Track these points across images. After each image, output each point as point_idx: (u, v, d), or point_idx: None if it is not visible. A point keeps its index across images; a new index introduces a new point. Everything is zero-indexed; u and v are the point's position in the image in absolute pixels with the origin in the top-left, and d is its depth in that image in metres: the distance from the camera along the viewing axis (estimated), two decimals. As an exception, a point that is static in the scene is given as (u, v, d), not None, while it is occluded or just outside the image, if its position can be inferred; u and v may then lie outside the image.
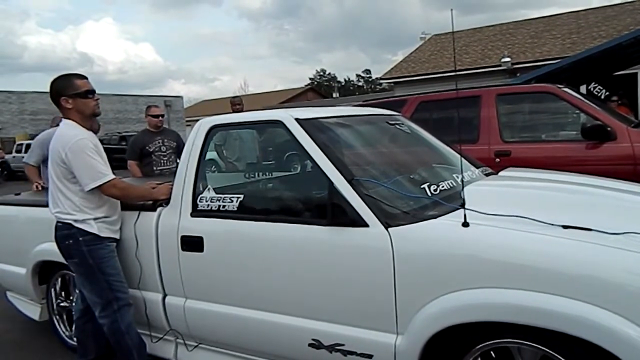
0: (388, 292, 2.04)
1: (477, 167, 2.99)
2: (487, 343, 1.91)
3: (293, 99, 41.00)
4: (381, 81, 23.50)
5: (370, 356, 2.13)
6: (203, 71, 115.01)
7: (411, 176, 2.55)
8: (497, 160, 4.50)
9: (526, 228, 1.90)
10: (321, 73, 66.25)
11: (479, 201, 2.12)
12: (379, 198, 2.19)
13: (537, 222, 1.91)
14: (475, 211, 2.02)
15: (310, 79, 64.81)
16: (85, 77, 2.73)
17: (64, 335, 3.43)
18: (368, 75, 65.22)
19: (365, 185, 2.23)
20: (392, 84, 20.45)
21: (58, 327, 3.46)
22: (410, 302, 2.01)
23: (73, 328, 3.30)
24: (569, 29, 17.57)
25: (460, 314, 1.89)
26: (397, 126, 3.02)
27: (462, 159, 2.61)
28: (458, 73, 16.97)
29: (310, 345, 2.28)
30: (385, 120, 3.07)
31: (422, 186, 2.37)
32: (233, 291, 2.51)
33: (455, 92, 5.49)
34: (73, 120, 2.67)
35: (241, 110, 6.38)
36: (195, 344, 2.78)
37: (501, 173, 3.11)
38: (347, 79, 66.39)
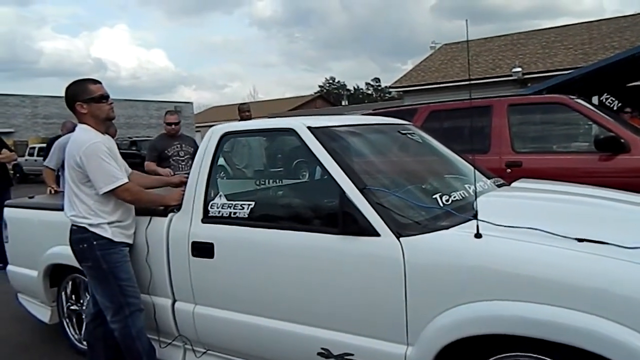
0: (399, 302, 2.03)
1: (489, 178, 2.97)
2: (499, 356, 1.89)
3: (302, 106, 41.15)
4: (391, 90, 23.55)
5: (380, 367, 2.11)
6: (213, 78, 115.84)
7: (423, 186, 2.55)
8: (508, 170, 4.47)
9: (540, 240, 1.88)
10: (330, 81, 66.46)
11: (492, 212, 2.11)
12: (390, 207, 2.18)
13: (551, 235, 1.89)
14: (488, 222, 2.01)
15: (319, 86, 65.03)
16: (99, 82, 2.76)
17: (73, 339, 3.44)
18: (377, 84, 65.32)
19: (377, 194, 2.23)
20: (401, 93, 20.46)
21: (68, 330, 3.48)
22: (421, 312, 2.00)
23: (82, 331, 3.32)
24: (581, 40, 17.51)
25: (471, 326, 1.88)
26: (409, 135, 3.02)
27: (477, 169, 2.60)
28: (468, 83, 16.96)
29: (319, 354, 2.27)
30: (396, 129, 3.07)
31: (433, 196, 2.36)
32: (243, 298, 2.51)
33: (466, 101, 5.50)
34: (88, 125, 2.70)
35: (249, 118, 6.42)
36: (204, 351, 2.78)
37: (514, 184, 3.09)
38: (356, 87, 66.51)
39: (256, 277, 2.45)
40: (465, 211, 2.24)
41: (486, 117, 4.86)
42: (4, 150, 6.19)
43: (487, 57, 18.54)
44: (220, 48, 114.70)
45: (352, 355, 2.18)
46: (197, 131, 32.34)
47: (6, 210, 3.78)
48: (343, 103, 44.30)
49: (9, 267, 3.78)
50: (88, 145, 2.58)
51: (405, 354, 2.04)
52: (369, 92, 65.52)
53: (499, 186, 2.95)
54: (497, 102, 4.96)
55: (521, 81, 15.81)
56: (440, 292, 1.95)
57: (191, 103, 38.71)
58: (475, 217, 2.05)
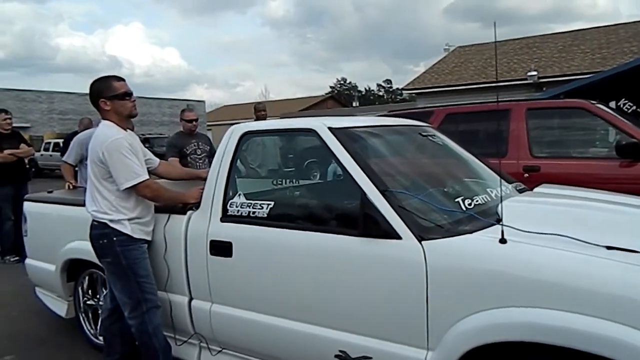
0: (419, 306, 2.01)
1: (510, 183, 2.94)
2: (522, 363, 1.87)
3: (313, 106, 41.15)
4: (403, 91, 23.43)
5: (398, 371, 2.10)
6: (225, 77, 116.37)
7: (444, 189, 2.52)
8: (526, 175, 4.42)
9: (568, 247, 1.85)
10: (342, 82, 66.40)
11: (516, 218, 2.08)
12: (412, 210, 2.17)
13: (579, 242, 1.86)
14: (513, 228, 1.98)
15: (330, 87, 65.00)
16: (123, 79, 2.77)
17: (89, 333, 3.47)
18: (389, 85, 65.17)
19: (399, 196, 2.21)
20: (414, 95, 20.36)
21: (84, 324, 3.50)
22: (443, 317, 1.98)
23: (98, 326, 3.34)
24: (598, 44, 17.33)
25: (495, 333, 1.85)
26: (430, 138, 3.00)
27: (498, 173, 2.57)
28: (482, 86, 16.86)
29: (336, 356, 2.25)
30: (417, 131, 3.05)
31: (456, 200, 2.34)
32: (260, 298, 2.51)
33: (483, 104, 5.45)
34: (111, 121, 2.71)
35: (265, 117, 6.43)
36: (219, 349, 2.78)
37: (536, 189, 3.05)
38: (367, 89, 66.42)
39: (274, 278, 2.44)
40: (488, 216, 2.21)
41: (504, 121, 4.82)
42: (22, 145, 6.26)
43: (502, 60, 18.40)
44: (232, 47, 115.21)
45: (370, 358, 2.16)
46: (208, 129, 32.45)
47: (26, 204, 3.82)
48: (354, 104, 44.18)
49: (27, 261, 3.82)
50: (111, 141, 2.59)
51: (425, 359, 2.02)
52: (380, 93, 65.40)
53: (520, 191, 2.91)
54: (515, 106, 4.91)
55: (537, 85, 15.67)
56: (463, 297, 1.93)
57: (203, 102, 38.90)
58: (499, 221, 2.03)
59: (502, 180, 2.83)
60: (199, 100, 39.02)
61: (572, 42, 18.35)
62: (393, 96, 59.84)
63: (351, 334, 2.22)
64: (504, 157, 4.62)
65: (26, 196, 4.02)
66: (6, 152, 5.99)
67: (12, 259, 6.00)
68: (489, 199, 2.48)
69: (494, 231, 2.00)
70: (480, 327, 1.87)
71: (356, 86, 65.31)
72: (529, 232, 1.96)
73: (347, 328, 2.23)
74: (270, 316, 2.46)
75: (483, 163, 3.08)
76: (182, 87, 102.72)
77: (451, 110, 5.41)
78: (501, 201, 2.15)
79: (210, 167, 4.70)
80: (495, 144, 4.53)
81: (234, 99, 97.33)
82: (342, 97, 55.24)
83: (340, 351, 2.24)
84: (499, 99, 4.64)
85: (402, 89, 22.57)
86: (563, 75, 15.50)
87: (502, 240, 1.92)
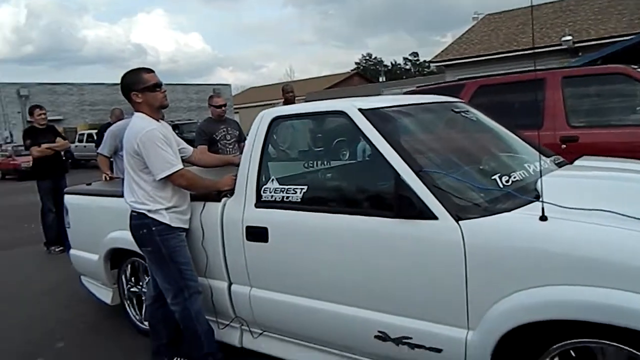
0: (459, 286, 2.00)
1: (548, 157, 2.86)
2: (567, 342, 1.84)
3: (339, 84, 40.81)
4: (431, 64, 22.95)
5: (439, 350, 2.10)
6: (250, 59, 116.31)
7: (480, 167, 2.47)
8: (563, 146, 4.30)
9: (611, 223, 1.79)
10: (367, 57, 65.43)
11: (556, 193, 2.02)
12: (448, 190, 2.13)
13: (623, 217, 1.80)
14: (553, 204, 1.93)
15: (356, 63, 64.16)
16: (152, 71, 2.80)
17: (134, 319, 3.59)
18: (416, 59, 63.92)
19: (433, 176, 2.18)
20: (442, 67, 19.92)
21: (129, 310, 3.63)
22: (483, 297, 1.96)
23: (143, 312, 3.45)
24: (636, 4, 16.47)
25: (537, 311, 1.83)
26: (463, 114, 2.93)
27: (536, 147, 2.49)
28: (513, 54, 16.32)
29: (376, 337, 2.27)
30: (449, 107, 2.98)
31: (492, 177, 2.29)
32: (298, 281, 2.53)
33: (517, 75, 5.29)
34: (143, 113, 2.75)
35: (293, 98, 6.41)
36: (260, 332, 2.83)
37: (576, 162, 2.96)
38: (393, 63, 65.30)
39: (311, 261, 2.46)
40: (527, 192, 2.16)
41: (539, 91, 4.66)
42: (58, 139, 6.44)
43: (535, 26, 17.72)
44: (255, 29, 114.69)
45: (410, 338, 2.17)
46: (235, 112, 32.66)
47: (66, 197, 3.94)
48: (380, 79, 43.55)
49: (72, 251, 3.96)
50: (144, 133, 2.63)
51: (465, 339, 2.01)
52: (407, 67, 64.23)
53: (559, 165, 2.83)
54: (550, 75, 4.75)
55: (572, 50, 15.07)
56: (503, 277, 1.90)
57: (229, 85, 39.08)
58: (539, 198, 1.98)
59: (541, 155, 2.76)
60: (225, 84, 39.23)
61: (608, 3, 17.49)
62: (420, 69, 58.70)
63: (390, 315, 2.23)
64: (540, 128, 4.49)
65: (66, 189, 4.15)
66: (43, 146, 6.17)
67: (56, 250, 6.23)
68: (527, 175, 2.42)
69: (534, 208, 1.96)
70: (523, 306, 1.84)
71: (382, 61, 64.31)
72: (570, 208, 1.90)
73: (386, 309, 2.24)
74: (309, 299, 2.49)
75: (519, 137, 3.00)
76: (207, 72, 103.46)
77: (483, 82, 5.27)
78: (540, 176, 2.09)
79: (240, 152, 4.76)
80: (531, 116, 4.40)
81: (259, 81, 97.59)
82: (368, 73, 54.56)
83: (379, 332, 2.25)
84: (532, 68, 4.49)
85: (430, 61, 22.13)
86: (600, 39, 14.84)
87: (543, 218, 1.88)
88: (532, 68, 5.26)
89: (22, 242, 7.14)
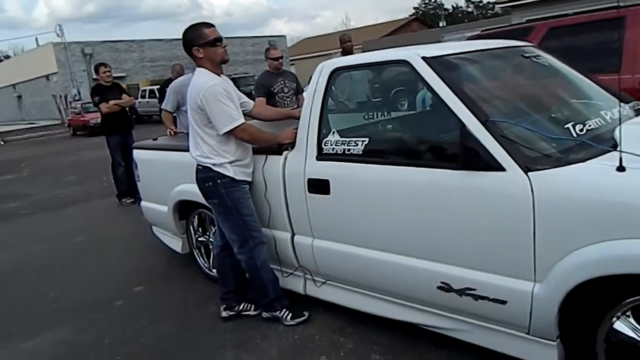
0: (526, 239, 1.95)
1: (626, 103, 2.66)
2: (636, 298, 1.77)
3: (397, 31, 39.45)
4: (495, 5, 21.61)
5: (504, 302, 2.08)
6: (305, 8, 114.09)
7: (552, 115, 2.35)
8: (643, 91, 3.98)
9: (698, 173, 1.67)
10: (426, 1, 62.36)
11: (635, 142, 1.90)
12: (516, 140, 2.05)
13: None
14: (632, 154, 1.81)
15: (414, 8, 61.33)
16: (212, 25, 2.81)
17: (203, 267, 3.79)
18: (478, 0, 60.28)
19: (501, 126, 2.09)
20: (508, 8, 18.69)
21: (198, 259, 3.82)
22: (552, 250, 1.90)
23: (211, 260, 3.63)
24: None
25: (610, 266, 1.76)
26: (533, 59, 2.76)
27: (614, 93, 2.33)
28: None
29: (439, 287, 2.28)
30: (518, 52, 2.82)
31: (565, 126, 2.17)
32: (360, 233, 2.56)
33: (591, 14, 4.89)
34: (205, 68, 2.79)
35: (351, 48, 6.27)
36: (323, 281, 2.92)
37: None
38: (455, 6, 61.87)
39: (373, 213, 2.47)
40: (603, 142, 2.04)
41: (617, 31, 4.30)
42: (124, 95, 6.69)
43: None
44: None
45: (474, 290, 2.16)
46: (291, 64, 32.49)
47: (135, 152, 4.13)
48: (441, 24, 41.55)
49: (142, 203, 4.18)
50: (207, 88, 2.68)
51: (532, 291, 1.98)
52: (469, 10, 60.80)
53: (638, 112, 2.63)
54: (631, 12, 4.36)
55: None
56: (574, 230, 1.84)
57: (284, 36, 38.77)
58: (616, 147, 1.87)
59: (620, 101, 2.58)
60: (280, 35, 38.95)
61: None
62: (484, 12, 55.42)
63: (454, 267, 2.22)
64: (617, 72, 4.18)
65: (134, 144, 4.34)
66: (111, 102, 6.43)
67: (127, 201, 6.61)
68: (603, 123, 2.27)
69: (610, 158, 1.86)
70: (595, 259, 1.78)
71: (442, 4, 60.98)
72: (652, 158, 1.78)
73: (450, 261, 2.23)
74: (371, 250, 2.52)
75: (594, 82, 2.80)
76: (262, 23, 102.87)
77: (554, 23, 4.93)
78: (619, 124, 1.96)
79: (297, 104, 4.76)
80: (607, 58, 4.09)
81: (315, 31, 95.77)
82: (428, 18, 52.21)
83: (442, 283, 2.26)
84: (611, 5, 4.14)
85: (494, 2, 20.82)
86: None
87: (620, 168, 1.78)
88: (610, 5, 4.84)
89: (96, 195, 7.63)
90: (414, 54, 2.39)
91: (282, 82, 4.90)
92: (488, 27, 6.79)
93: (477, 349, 2.32)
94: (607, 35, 4.38)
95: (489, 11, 50.46)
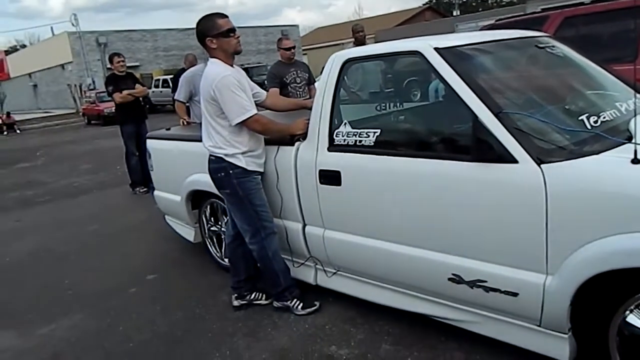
0: (538, 231, 1.94)
1: (643, 93, 2.62)
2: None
3: (410, 20, 39.12)
4: (510, -6, 21.24)
5: (516, 294, 2.08)
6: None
7: (566, 106, 2.32)
8: (661, 81, 3.91)
9: None
10: (440, -11, 61.52)
11: (652, 135, 1.88)
12: (529, 132, 2.03)
13: None
14: (648, 146, 1.79)
15: (428, -4, 60.61)
16: (226, 16, 2.81)
17: (215, 256, 3.82)
18: (493, -12, 59.29)
19: (514, 118, 2.08)
20: (523, -3, 18.40)
21: (210, 248, 3.86)
22: (564, 243, 1.89)
23: (223, 250, 3.66)
24: None
25: (623, 258, 1.75)
26: (548, 49, 2.72)
27: (630, 84, 2.30)
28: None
29: (450, 279, 2.28)
30: (533, 43, 2.78)
31: (579, 118, 2.15)
32: (372, 224, 2.57)
33: (608, 3, 4.80)
34: (218, 59, 2.80)
35: (364, 38, 6.24)
36: (334, 271, 2.93)
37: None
38: (469, -6, 60.99)
39: (385, 205, 2.47)
40: (618, 134, 2.02)
41: (635, 20, 4.22)
42: (137, 85, 6.73)
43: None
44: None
45: (485, 282, 2.16)
46: (304, 54, 32.37)
47: (148, 141, 4.16)
48: (455, 13, 41.05)
49: (156, 192, 4.22)
50: (220, 79, 2.69)
51: (544, 284, 1.98)
52: (484, -2, 59.87)
53: (655, 103, 2.59)
54: (649, 1, 4.26)
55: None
56: (588, 223, 1.83)
57: (297, 26, 38.55)
58: (631, 140, 1.85)
59: (634, 92, 2.55)
60: (293, 24, 38.73)
61: None
62: (498, 0, 54.63)
63: (465, 258, 2.22)
64: (633, 61, 4.11)
65: (148, 134, 4.37)
66: (124, 92, 6.48)
67: (141, 190, 6.67)
68: (619, 114, 2.24)
69: (626, 150, 1.84)
70: (609, 252, 1.77)
71: (455, -7, 60.27)
72: (668, 150, 1.76)
73: (461, 252, 2.23)
74: (382, 241, 2.53)
75: (610, 72, 2.76)
76: (275, 13, 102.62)
77: (569, 12, 4.85)
78: (635, 115, 1.94)
79: (309, 95, 4.75)
80: (625, 48, 4.02)
81: (328, 20, 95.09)
82: (441, 7, 51.53)
83: (453, 274, 2.26)
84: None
85: (508, -9, 20.46)
86: None
87: (635, 161, 1.76)
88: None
89: (110, 184, 7.72)
90: (427, 45, 2.38)
91: (295, 72, 4.90)
92: (502, 17, 6.70)
93: (488, 340, 2.32)
94: (624, 25, 4.30)
95: (504, 0, 49.68)
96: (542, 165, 1.93)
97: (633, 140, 1.84)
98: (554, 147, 2.00)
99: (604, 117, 2.18)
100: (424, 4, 50.35)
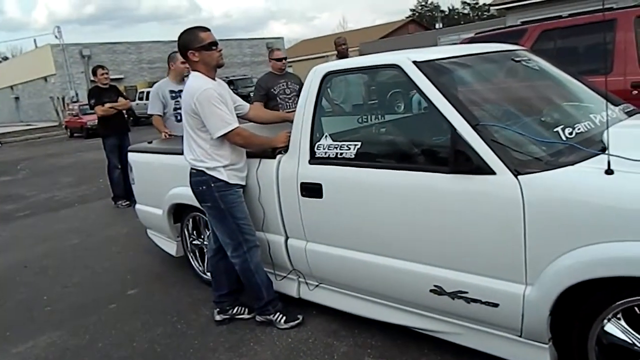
0: (517, 242, 1.96)
1: (616, 105, 2.68)
2: (630, 299, 1.78)
3: (394, 32, 39.54)
4: (491, 7, 21.68)
5: (496, 305, 2.09)
6: (302, 9, 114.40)
7: (542, 118, 2.36)
8: (635, 92, 4.02)
9: (687, 177, 1.69)
10: (422, 3, 62.44)
11: (624, 145, 1.92)
12: (506, 144, 2.07)
13: (700, 170, 1.69)
14: (620, 157, 1.83)
15: (411, 10, 61.46)
16: (208, 30, 2.82)
17: (198, 270, 3.79)
18: (474, 2, 60.36)
19: (491, 130, 2.10)
20: (503, 10, 18.73)
21: (192, 262, 3.83)
22: (542, 253, 1.92)
23: (205, 263, 3.63)
24: None
25: (601, 268, 1.77)
26: (524, 62, 2.77)
27: (603, 94, 2.34)
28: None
29: (431, 291, 2.29)
30: (509, 56, 2.83)
31: (555, 129, 2.19)
32: (353, 236, 2.57)
33: (584, 17, 4.91)
34: (199, 72, 2.80)
35: (346, 51, 6.28)
36: (317, 284, 2.92)
37: (649, 110, 2.77)
38: (451, 8, 62.12)
39: (366, 217, 2.48)
40: (592, 145, 2.06)
41: (609, 33, 4.33)
42: (120, 99, 6.68)
43: (605, -40, 16.24)
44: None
45: (466, 292, 2.18)
46: (289, 66, 32.47)
47: (130, 154, 4.13)
48: (437, 26, 41.68)
49: (137, 206, 4.18)
50: (201, 92, 2.69)
51: (523, 294, 1.99)
52: (466, 11, 60.95)
53: (629, 113, 2.65)
54: (622, 15, 4.39)
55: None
56: (564, 233, 1.85)
57: (282, 38, 38.78)
58: (604, 150, 1.88)
59: (608, 103, 2.60)
60: (277, 37, 38.95)
61: None
62: (479, 13, 55.61)
63: (446, 270, 2.23)
64: (608, 74, 4.21)
65: (130, 147, 4.34)
66: (107, 105, 6.42)
67: (123, 204, 6.60)
68: (593, 126, 2.29)
69: (599, 161, 1.88)
70: (586, 262, 1.80)
71: (439, 6, 61.19)
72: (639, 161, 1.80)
73: (441, 264, 2.24)
74: (364, 253, 2.53)
75: (585, 84, 2.82)
76: (260, 25, 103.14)
77: (546, 26, 4.96)
78: (607, 127, 1.98)
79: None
80: (599, 61, 4.11)
81: (313, 33, 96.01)
82: (424, 20, 52.39)
83: (435, 286, 2.27)
84: (604, 7, 4.17)
85: (490, 4, 20.87)
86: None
87: (609, 171, 1.79)
88: (604, 7, 4.87)
89: (92, 197, 7.62)
90: (405, 59, 2.41)
91: (285, 83, 4.86)
92: (482, 30, 6.81)
93: (471, 351, 2.32)
94: (598, 38, 4.41)
95: (485, 13, 50.60)
96: (519, 177, 1.95)
97: (607, 151, 1.87)
98: (531, 159, 2.03)
99: (579, 129, 2.22)
100: (407, 17, 51.08)
